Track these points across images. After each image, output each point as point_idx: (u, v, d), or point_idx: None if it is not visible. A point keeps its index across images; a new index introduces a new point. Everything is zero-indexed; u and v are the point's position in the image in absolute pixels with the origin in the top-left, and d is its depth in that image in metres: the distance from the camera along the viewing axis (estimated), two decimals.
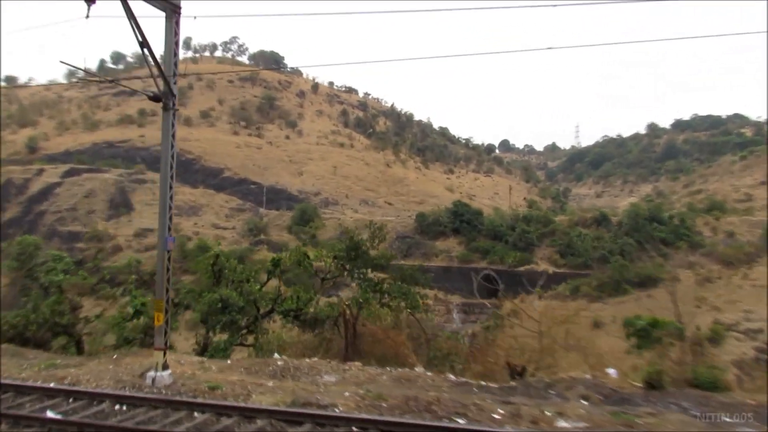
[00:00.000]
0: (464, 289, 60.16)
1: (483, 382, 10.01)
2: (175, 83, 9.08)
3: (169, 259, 8.62)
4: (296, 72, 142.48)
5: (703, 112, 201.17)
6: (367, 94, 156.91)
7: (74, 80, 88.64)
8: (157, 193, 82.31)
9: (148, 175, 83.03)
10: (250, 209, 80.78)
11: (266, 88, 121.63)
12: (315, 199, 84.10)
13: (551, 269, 61.65)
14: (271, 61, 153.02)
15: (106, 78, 8.71)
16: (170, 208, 8.49)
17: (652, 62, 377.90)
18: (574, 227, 65.11)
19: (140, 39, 8.11)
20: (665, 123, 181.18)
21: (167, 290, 8.38)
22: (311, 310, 14.12)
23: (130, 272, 15.49)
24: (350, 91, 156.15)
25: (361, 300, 14.52)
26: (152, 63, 8.34)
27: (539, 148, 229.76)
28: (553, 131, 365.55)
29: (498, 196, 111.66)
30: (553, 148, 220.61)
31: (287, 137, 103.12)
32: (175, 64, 9.10)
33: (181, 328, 16.63)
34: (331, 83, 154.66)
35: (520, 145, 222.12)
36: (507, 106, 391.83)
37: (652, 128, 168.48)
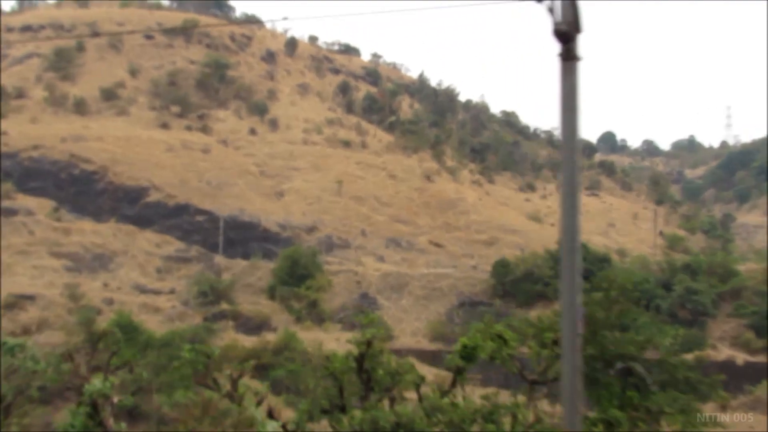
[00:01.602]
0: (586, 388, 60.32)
1: None
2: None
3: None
4: (254, 20, 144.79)
5: None
6: (376, 57, 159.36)
7: None
8: (37, 232, 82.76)
9: (18, 199, 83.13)
10: (199, 257, 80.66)
11: (210, 48, 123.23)
12: (309, 238, 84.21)
13: (741, 356, 61.43)
14: (212, 3, 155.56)
15: None
16: (575, 250, 8.05)
17: None
18: None
19: None
20: None
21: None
22: None
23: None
24: (347, 51, 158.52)
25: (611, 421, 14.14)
26: None
27: (665, 146, 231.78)
28: (685, 118, 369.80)
29: (615, 230, 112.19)
30: (690, 147, 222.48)
31: (253, 131, 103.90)
32: None
33: None
34: (313, 39, 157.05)
35: (634, 141, 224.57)
36: (608, 75, 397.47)
37: None
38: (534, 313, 70.82)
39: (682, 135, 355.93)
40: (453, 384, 15.47)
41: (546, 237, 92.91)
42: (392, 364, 15.39)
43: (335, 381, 15.37)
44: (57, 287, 72.23)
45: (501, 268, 71.14)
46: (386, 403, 15.04)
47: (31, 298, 70.26)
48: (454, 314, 70.41)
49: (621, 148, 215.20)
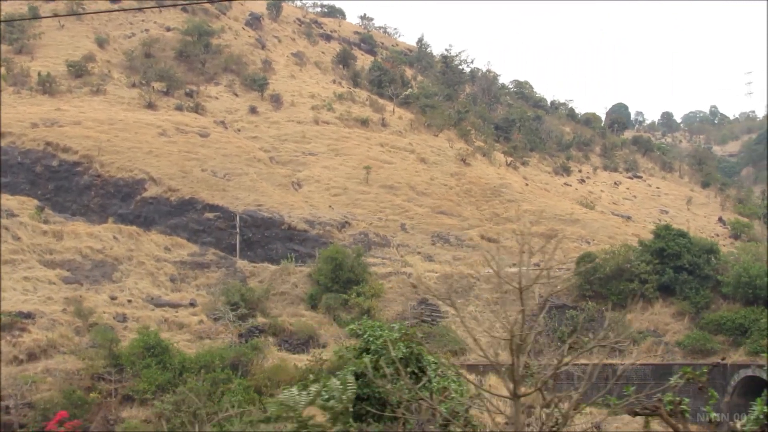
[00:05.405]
0: (698, 403, 60.52)
1: None
2: None
3: None
4: None
5: None
6: (367, 20, 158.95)
7: None
8: (24, 238, 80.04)
9: None
10: (217, 262, 78.87)
11: (187, 12, 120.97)
12: (341, 236, 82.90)
13: None
14: None
15: None
16: None
17: None
18: None
19: None
20: None
21: None
22: None
23: None
24: (331, 13, 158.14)
25: None
26: None
27: (677, 117, 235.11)
28: (701, 86, 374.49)
29: (669, 217, 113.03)
30: (714, 119, 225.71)
31: (253, 110, 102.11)
32: None
33: None
34: None
35: (650, 113, 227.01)
36: (614, 42, 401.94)
37: None
38: (632, 316, 70.70)
39: (696, 106, 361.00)
40: None
41: (609, 226, 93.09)
42: None
43: None
44: (57, 302, 69.92)
45: (587, 264, 70.40)
46: None
47: (29, 316, 67.94)
48: (536, 321, 69.76)
49: (635, 122, 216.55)
